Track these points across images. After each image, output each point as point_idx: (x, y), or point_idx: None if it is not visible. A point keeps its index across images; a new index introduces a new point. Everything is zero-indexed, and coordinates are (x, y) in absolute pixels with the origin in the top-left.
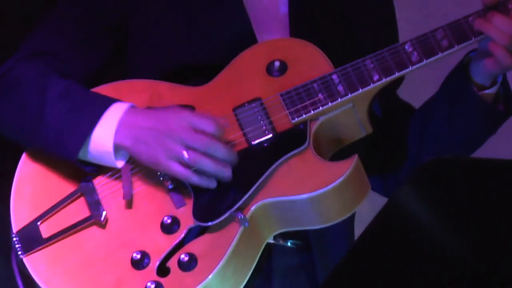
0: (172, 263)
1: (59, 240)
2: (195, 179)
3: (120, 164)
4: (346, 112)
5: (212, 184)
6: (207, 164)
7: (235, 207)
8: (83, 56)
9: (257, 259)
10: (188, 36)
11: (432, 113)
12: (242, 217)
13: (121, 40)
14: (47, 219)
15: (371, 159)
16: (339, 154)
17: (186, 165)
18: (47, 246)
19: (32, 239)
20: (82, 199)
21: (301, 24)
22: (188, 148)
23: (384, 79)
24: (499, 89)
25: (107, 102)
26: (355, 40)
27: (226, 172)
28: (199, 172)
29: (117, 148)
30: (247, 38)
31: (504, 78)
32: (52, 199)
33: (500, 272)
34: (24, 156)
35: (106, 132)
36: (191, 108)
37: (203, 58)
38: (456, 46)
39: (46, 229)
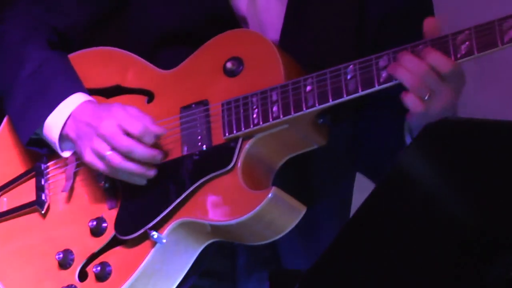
0: (90, 269)
1: (2, 220)
2: (123, 175)
3: (66, 154)
4: (284, 131)
5: (141, 181)
6: (128, 166)
7: (149, 225)
8: (80, 10)
9: (189, 264)
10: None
11: None
12: (157, 236)
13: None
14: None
15: (354, 155)
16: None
17: (108, 163)
18: None
19: None
20: (33, 181)
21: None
22: (113, 148)
23: (317, 106)
24: None
25: (68, 91)
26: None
27: (149, 173)
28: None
29: (65, 139)
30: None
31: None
32: (7, 174)
33: (505, 234)
34: None
35: (57, 121)
36: (149, 94)
37: (182, 25)
38: (393, 80)
39: None
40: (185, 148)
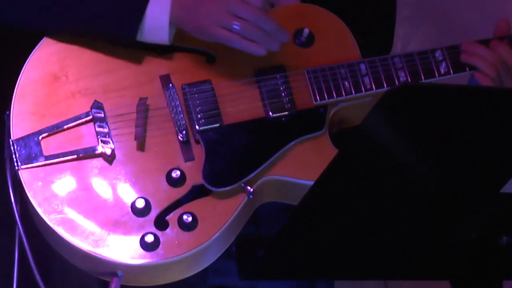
0: (172, 219)
1: (61, 162)
2: (243, 43)
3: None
4: (364, 104)
5: (261, 51)
6: (257, 34)
7: (246, 179)
8: None
9: (246, 220)
10: None
11: None
12: (250, 190)
13: None
14: (50, 135)
15: None
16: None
17: (235, 32)
18: (46, 165)
19: (32, 152)
20: (90, 125)
21: None
22: (239, 18)
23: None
24: None
25: None
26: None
27: (275, 45)
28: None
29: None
30: None
31: None
32: (59, 113)
33: (466, 196)
34: (33, 55)
35: (161, 7)
36: (208, 55)
37: None
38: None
39: (47, 146)
40: (269, 110)
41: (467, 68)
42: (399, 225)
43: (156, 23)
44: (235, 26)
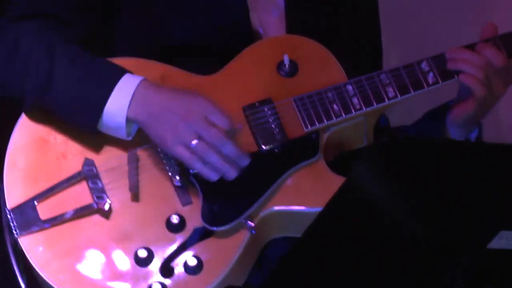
0: (177, 264)
1: (58, 224)
2: (198, 165)
3: (129, 137)
4: (356, 124)
5: (214, 177)
6: (214, 158)
7: (246, 214)
8: (83, 18)
9: (255, 260)
10: (182, 10)
11: None
12: (251, 225)
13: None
14: (45, 199)
15: None
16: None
17: (192, 151)
18: (45, 229)
19: (29, 219)
20: (83, 183)
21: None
22: (199, 137)
23: (399, 97)
24: None
25: (119, 71)
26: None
27: (231, 172)
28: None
29: (129, 121)
30: (242, 20)
31: (479, 134)
32: (50, 176)
33: (451, 247)
34: (20, 123)
35: (119, 105)
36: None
37: (191, 36)
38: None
39: (44, 210)
40: (262, 143)
41: (456, 76)
42: (385, 274)
43: (113, 122)
44: (192, 146)
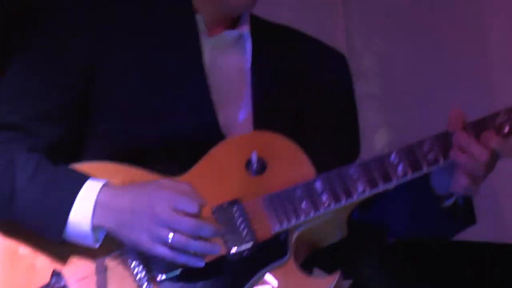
0: None
1: None
2: (182, 258)
3: (97, 244)
4: (327, 221)
5: (201, 263)
6: (196, 246)
7: None
8: (48, 128)
9: None
10: (151, 112)
11: (390, 212)
12: None
13: (84, 112)
14: None
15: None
16: None
17: (171, 246)
18: None
19: None
20: None
21: (264, 105)
22: (175, 231)
23: (368, 192)
24: (457, 200)
25: (81, 179)
26: (318, 110)
27: (216, 249)
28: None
29: (97, 230)
30: (210, 121)
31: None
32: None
33: None
34: None
35: (83, 214)
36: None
37: (159, 138)
38: (442, 161)
39: None
40: (231, 246)
41: (424, 167)
42: None
43: (79, 231)
44: (170, 242)
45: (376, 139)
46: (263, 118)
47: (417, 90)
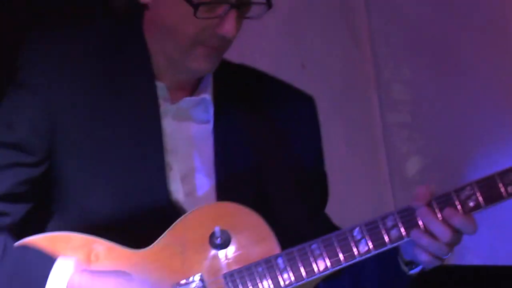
0: None
1: None
2: None
3: None
4: None
5: None
6: None
7: None
8: (10, 208)
9: None
10: (111, 191)
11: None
12: None
13: (45, 189)
14: None
15: None
16: None
17: None
18: None
19: None
20: None
21: (227, 167)
22: None
23: (331, 269)
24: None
25: (48, 262)
26: (287, 162)
27: None
28: None
29: None
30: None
31: None
32: None
33: None
34: None
35: None
36: (126, 275)
37: (119, 216)
38: (405, 237)
39: None
40: None
41: (387, 244)
42: None
43: None
44: None
45: (407, 167)
46: (226, 187)
47: (446, 117)
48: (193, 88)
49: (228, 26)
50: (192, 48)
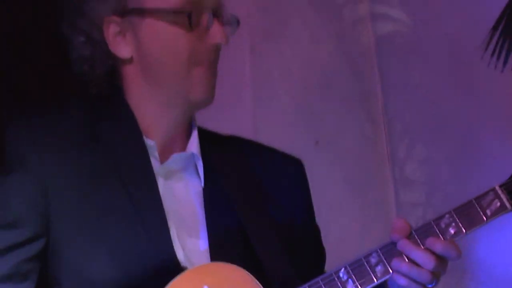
0: None
1: None
2: None
3: None
4: None
5: None
6: None
7: None
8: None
9: None
10: (112, 257)
11: None
12: None
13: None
14: None
15: None
16: None
17: None
18: None
19: None
20: None
21: (218, 227)
22: None
23: None
24: None
25: None
26: (275, 223)
27: None
28: None
29: None
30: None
31: None
32: None
33: None
34: None
35: None
36: None
37: (119, 274)
38: (390, 272)
39: None
40: None
41: (374, 280)
42: None
43: None
44: None
45: None
46: (219, 247)
47: (461, 198)
48: (181, 146)
49: (218, 33)
50: (189, 72)
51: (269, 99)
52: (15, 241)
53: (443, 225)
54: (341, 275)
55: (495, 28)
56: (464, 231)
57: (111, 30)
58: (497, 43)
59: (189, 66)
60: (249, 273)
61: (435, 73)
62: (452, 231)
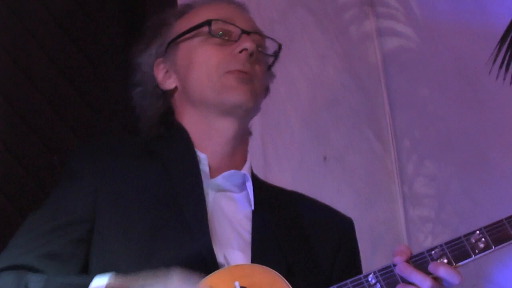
0: None
1: None
2: None
3: None
4: None
5: None
6: None
7: None
8: (55, 268)
9: None
10: (147, 258)
11: None
12: None
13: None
14: None
15: None
16: None
17: None
18: None
19: None
20: None
21: (263, 249)
22: None
23: None
24: None
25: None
26: (316, 264)
27: None
28: None
29: None
30: (207, 257)
31: None
32: None
33: None
34: None
35: None
36: None
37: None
38: None
39: None
40: None
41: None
42: None
43: None
44: None
45: None
46: (260, 254)
47: (470, 213)
48: (232, 164)
49: (245, 42)
50: (220, 79)
51: (277, 117)
52: (64, 220)
53: (435, 257)
54: (369, 279)
55: (503, 39)
56: (453, 264)
57: (160, 71)
58: (505, 55)
59: (220, 74)
60: (284, 280)
61: (442, 88)
62: (445, 261)
